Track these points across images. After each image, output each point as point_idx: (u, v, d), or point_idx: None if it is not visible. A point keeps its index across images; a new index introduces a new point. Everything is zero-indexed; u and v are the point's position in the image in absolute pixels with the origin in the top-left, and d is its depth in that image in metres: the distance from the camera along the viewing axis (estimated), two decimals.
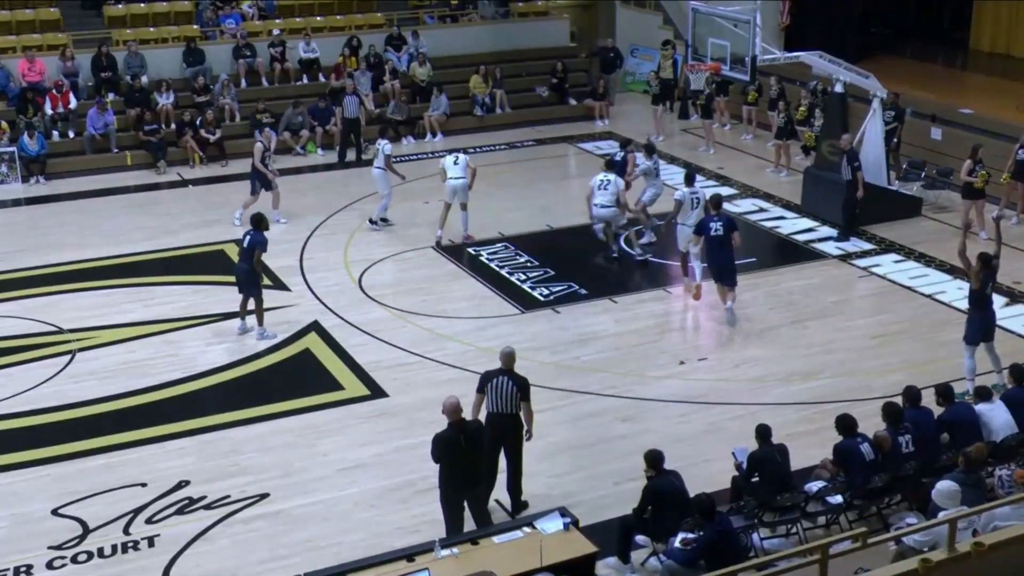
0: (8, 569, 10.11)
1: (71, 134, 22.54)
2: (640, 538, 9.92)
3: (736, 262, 14.99)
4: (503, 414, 10.41)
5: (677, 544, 9.29)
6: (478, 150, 23.51)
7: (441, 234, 17.87)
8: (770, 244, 18.06)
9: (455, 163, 17.69)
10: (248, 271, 14.52)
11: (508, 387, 10.39)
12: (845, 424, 10.38)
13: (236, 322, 14.87)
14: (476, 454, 9.88)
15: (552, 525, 9.13)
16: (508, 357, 10.61)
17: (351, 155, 22.65)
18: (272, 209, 18.52)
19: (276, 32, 25.01)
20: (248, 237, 14.56)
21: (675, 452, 10.55)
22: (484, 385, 10.48)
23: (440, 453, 9.76)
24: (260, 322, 14.64)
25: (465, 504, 9.91)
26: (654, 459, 9.77)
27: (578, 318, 15.24)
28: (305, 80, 24.81)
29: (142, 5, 25.32)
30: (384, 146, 18.44)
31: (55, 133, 22.45)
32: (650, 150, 17.92)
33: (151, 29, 25.05)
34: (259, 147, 18.62)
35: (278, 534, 10.60)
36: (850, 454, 10.18)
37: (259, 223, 14.68)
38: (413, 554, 8.91)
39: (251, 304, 14.66)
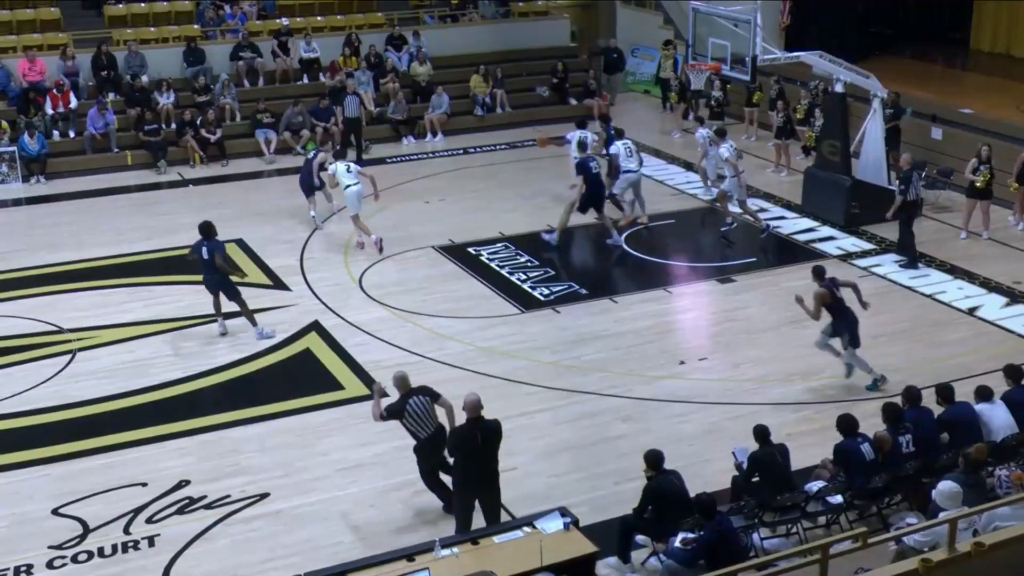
0: (8, 569, 10.11)
1: (71, 134, 22.53)
2: (640, 538, 9.93)
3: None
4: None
5: (677, 544, 9.29)
6: (478, 150, 23.54)
7: (376, 238, 17.48)
8: (770, 244, 18.03)
9: (348, 171, 17.46)
10: (218, 279, 14.48)
11: (425, 406, 10.40)
12: (846, 424, 10.38)
13: (230, 323, 14.80)
14: (490, 453, 9.91)
15: (552, 525, 9.13)
16: (401, 381, 10.59)
17: (351, 155, 22.63)
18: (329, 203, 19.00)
19: (284, 21, 24.88)
20: (204, 247, 14.38)
21: (675, 452, 10.54)
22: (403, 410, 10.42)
23: (455, 445, 9.86)
24: (253, 322, 14.61)
25: (477, 505, 9.93)
26: (654, 459, 9.77)
27: (578, 318, 15.23)
28: (305, 80, 24.80)
29: (142, 5, 25.32)
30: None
31: (55, 133, 22.44)
32: (721, 133, 18.42)
33: (151, 29, 25.05)
34: (322, 156, 18.60)
35: (278, 534, 10.60)
36: (850, 454, 10.18)
37: (208, 231, 14.47)
38: (413, 554, 8.90)
39: (231, 306, 14.57)
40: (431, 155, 23.09)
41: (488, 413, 12.52)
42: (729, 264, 16.89)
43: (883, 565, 8.06)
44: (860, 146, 18.68)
